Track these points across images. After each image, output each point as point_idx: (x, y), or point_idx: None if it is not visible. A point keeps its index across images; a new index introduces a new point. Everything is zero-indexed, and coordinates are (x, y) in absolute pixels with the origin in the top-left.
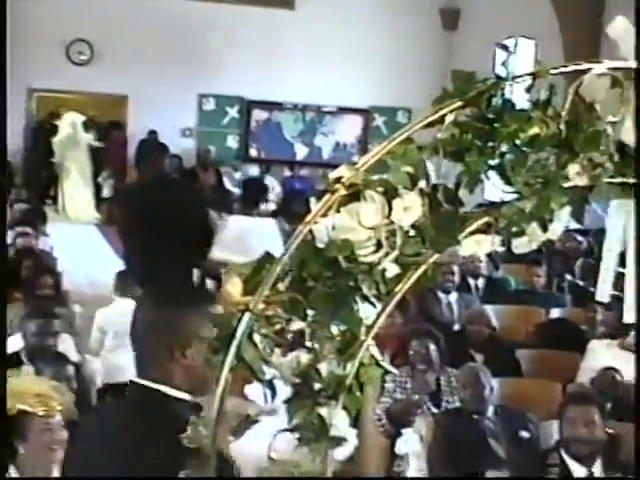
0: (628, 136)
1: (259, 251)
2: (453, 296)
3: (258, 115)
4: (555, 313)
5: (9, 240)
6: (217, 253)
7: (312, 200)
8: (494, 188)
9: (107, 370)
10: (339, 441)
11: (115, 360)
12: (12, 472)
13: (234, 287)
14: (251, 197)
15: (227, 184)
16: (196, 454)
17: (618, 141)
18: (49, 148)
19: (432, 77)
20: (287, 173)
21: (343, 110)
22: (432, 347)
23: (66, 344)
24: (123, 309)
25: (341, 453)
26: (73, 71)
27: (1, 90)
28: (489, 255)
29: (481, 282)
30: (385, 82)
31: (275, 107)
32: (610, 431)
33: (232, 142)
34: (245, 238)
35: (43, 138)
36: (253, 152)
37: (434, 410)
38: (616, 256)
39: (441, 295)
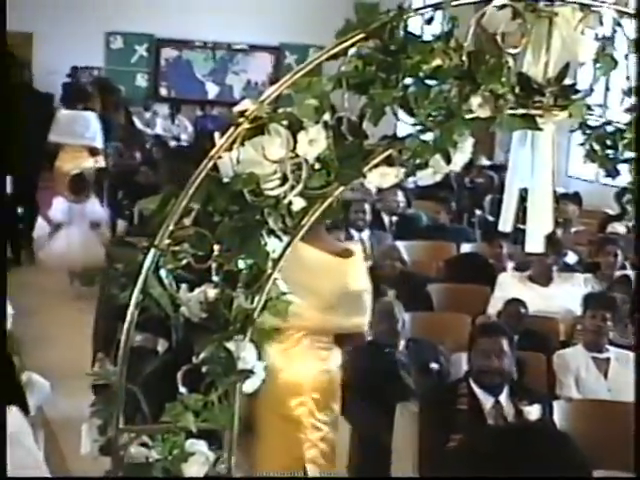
0: (529, 68)
1: (82, 134)
2: (365, 233)
3: (167, 53)
4: (465, 248)
5: None
6: (53, 137)
7: (216, 134)
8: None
9: None
10: (247, 374)
11: None
12: None
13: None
14: (70, 98)
15: (137, 124)
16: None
17: (519, 73)
18: None
19: (345, 14)
20: (199, 112)
21: (254, 48)
22: None
23: None
24: None
25: (250, 386)
26: None
27: None
28: (403, 191)
29: (396, 219)
30: (296, 19)
31: (184, 45)
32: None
33: (141, 81)
34: (72, 126)
35: None
36: (163, 91)
37: None
38: (518, 188)
39: (353, 232)
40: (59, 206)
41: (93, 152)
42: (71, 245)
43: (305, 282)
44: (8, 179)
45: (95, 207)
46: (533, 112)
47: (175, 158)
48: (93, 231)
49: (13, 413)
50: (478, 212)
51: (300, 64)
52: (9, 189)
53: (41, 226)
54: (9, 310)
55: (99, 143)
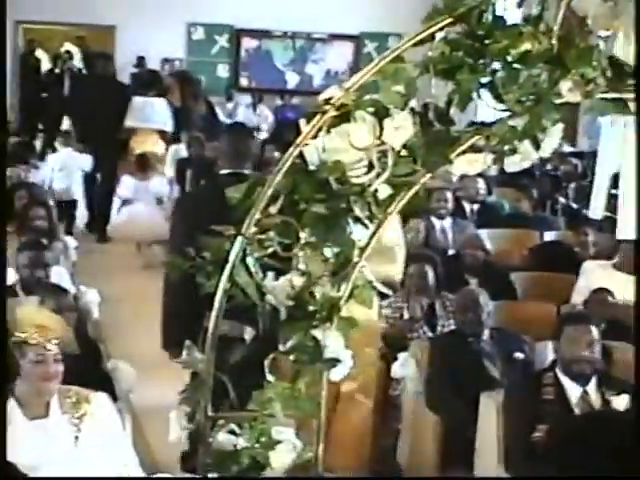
0: (621, 51)
1: (153, 119)
2: (447, 221)
3: (248, 43)
4: (549, 236)
5: None
6: (128, 122)
7: (302, 122)
8: (487, 108)
9: None
10: (334, 362)
11: None
12: (11, 404)
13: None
14: (142, 83)
15: (219, 114)
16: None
17: (611, 56)
18: (37, 80)
19: (424, 2)
20: (279, 102)
21: (334, 37)
22: (430, 272)
23: (59, 276)
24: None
25: (336, 374)
26: (59, 2)
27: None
28: (484, 179)
29: (477, 207)
30: (376, 7)
31: (264, 35)
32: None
33: (222, 72)
34: (145, 110)
35: (30, 71)
36: (244, 81)
37: (430, 334)
38: (609, 174)
39: (435, 221)
40: (126, 183)
41: (163, 135)
42: (137, 219)
43: None
44: (90, 159)
45: (159, 184)
46: (625, 96)
47: (233, 134)
48: (158, 206)
49: (102, 399)
50: (562, 200)
51: (380, 52)
52: (89, 167)
53: (115, 202)
54: (96, 298)
55: (169, 127)
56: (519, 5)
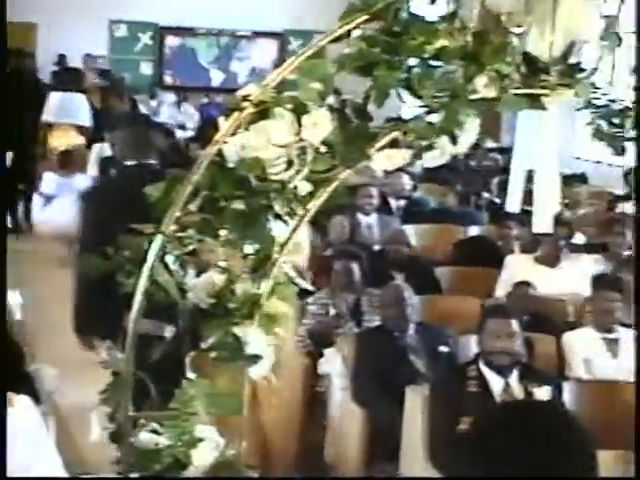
0: (534, 47)
1: (71, 114)
2: (373, 217)
3: (171, 41)
4: (473, 231)
5: None
6: (45, 117)
7: (221, 120)
8: (411, 105)
9: None
10: (255, 359)
11: None
12: None
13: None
14: (63, 80)
15: (143, 112)
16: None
17: (524, 52)
18: None
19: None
20: (204, 100)
21: (258, 34)
22: (355, 268)
23: None
24: None
25: (257, 371)
26: None
27: None
28: (409, 175)
29: (403, 203)
30: (301, 5)
31: (188, 32)
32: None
33: (146, 69)
34: (63, 106)
35: None
36: (168, 79)
37: (356, 330)
38: (524, 169)
39: (360, 217)
40: (49, 180)
41: (82, 130)
42: (61, 216)
43: None
44: (9, 155)
45: (83, 181)
46: (538, 91)
47: (132, 125)
48: None
49: (24, 402)
50: (485, 195)
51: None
52: (8, 162)
53: (37, 199)
54: (17, 299)
55: (87, 122)
56: (432, 2)
